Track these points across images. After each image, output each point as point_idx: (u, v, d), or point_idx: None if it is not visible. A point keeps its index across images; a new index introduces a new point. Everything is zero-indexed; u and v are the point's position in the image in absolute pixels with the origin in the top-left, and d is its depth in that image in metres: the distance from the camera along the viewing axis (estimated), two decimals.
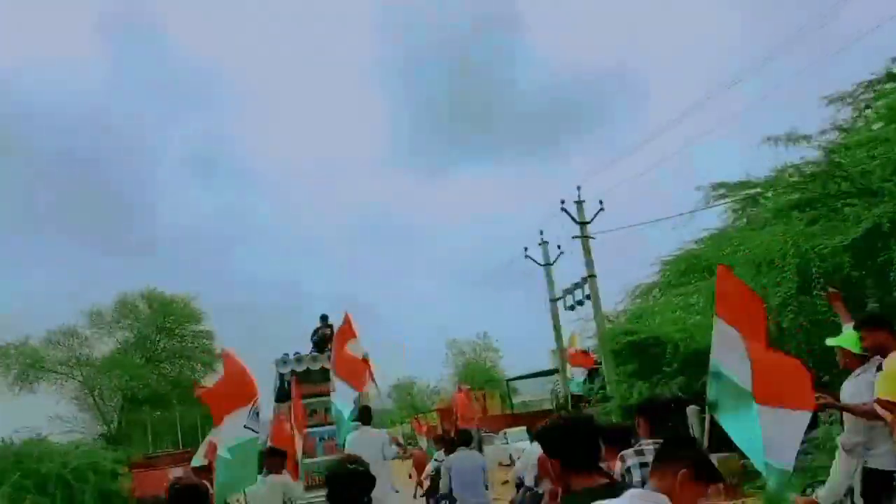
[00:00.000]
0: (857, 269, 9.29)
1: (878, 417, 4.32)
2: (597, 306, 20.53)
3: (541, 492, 7.04)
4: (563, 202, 21.09)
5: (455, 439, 9.42)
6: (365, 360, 9.71)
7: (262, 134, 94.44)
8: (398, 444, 10.55)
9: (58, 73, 75.34)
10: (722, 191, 16.53)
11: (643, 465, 4.06)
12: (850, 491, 4.71)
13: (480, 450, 13.42)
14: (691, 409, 11.99)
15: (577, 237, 21.48)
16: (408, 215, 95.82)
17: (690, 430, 11.27)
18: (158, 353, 44.24)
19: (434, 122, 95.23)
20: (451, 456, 8.70)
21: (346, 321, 9.90)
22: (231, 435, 6.34)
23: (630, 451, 4.32)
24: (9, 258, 57.78)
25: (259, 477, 7.33)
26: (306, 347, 16.67)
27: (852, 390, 4.57)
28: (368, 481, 2.82)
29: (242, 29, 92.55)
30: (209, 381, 42.54)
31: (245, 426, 6.42)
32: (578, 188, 21.55)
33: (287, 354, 15.96)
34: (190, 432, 42.72)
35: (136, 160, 72.44)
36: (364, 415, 9.58)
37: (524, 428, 23.39)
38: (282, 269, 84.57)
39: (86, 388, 41.05)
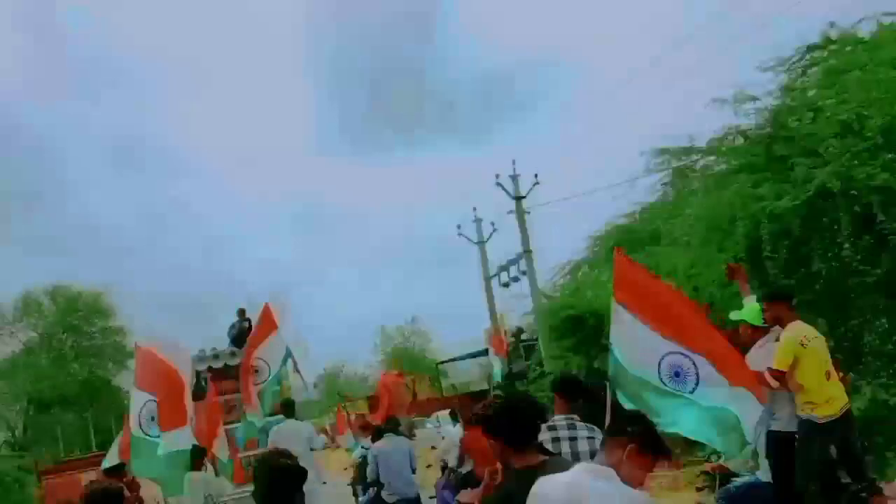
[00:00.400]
0: (805, 230, 9.08)
1: (767, 385, 4.68)
2: (533, 281, 19.98)
3: (464, 472, 7.17)
4: (497, 176, 20.93)
5: (382, 427, 9.46)
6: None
7: (187, 122, 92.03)
8: (326, 434, 10.55)
9: None
10: (665, 157, 15.80)
11: (554, 440, 4.15)
12: (756, 454, 5.12)
13: (412, 436, 13.51)
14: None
15: (512, 212, 21.01)
16: (339, 202, 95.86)
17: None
18: (66, 352, 41.84)
19: (364, 109, 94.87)
20: (378, 443, 8.75)
21: (266, 312, 9.60)
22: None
23: (544, 426, 4.32)
24: None
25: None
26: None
27: (756, 360, 4.87)
28: (301, 475, 2.77)
29: (167, 14, 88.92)
30: (121, 380, 41.08)
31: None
32: (514, 162, 21.24)
33: (203, 351, 15.40)
34: (103, 434, 40.17)
35: (55, 153, 69.01)
36: (287, 408, 9.64)
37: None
38: (209, 258, 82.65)
39: None
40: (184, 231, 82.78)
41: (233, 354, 15.33)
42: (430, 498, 9.35)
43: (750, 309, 5.23)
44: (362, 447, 11.42)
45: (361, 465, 10.38)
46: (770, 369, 4.70)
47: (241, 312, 16.63)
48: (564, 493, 2.46)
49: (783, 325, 4.88)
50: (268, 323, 9.47)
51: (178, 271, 74.92)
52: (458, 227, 24.47)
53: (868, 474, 4.92)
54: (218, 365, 15.14)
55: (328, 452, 23.63)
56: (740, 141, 11.72)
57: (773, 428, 4.86)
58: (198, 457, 7.61)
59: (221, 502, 9.13)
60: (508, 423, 2.92)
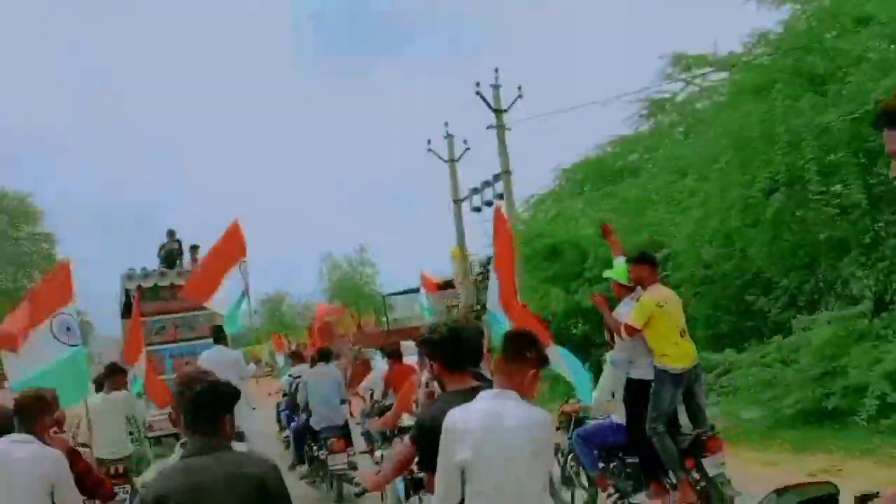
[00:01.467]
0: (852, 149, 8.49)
1: (625, 333, 5.35)
2: (510, 205, 17.62)
3: (388, 403, 7.40)
4: (478, 84, 18.03)
5: (314, 356, 9.56)
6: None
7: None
8: (263, 363, 10.54)
9: None
10: (681, 65, 14.47)
11: None
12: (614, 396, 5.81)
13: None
14: None
15: (491, 127, 18.12)
16: (308, 121, 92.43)
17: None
18: None
19: (337, 23, 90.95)
20: (309, 371, 8.84)
21: (235, 231, 8.48)
22: (39, 357, 5.88)
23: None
24: None
25: (100, 394, 7.13)
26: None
27: (621, 314, 5.51)
28: (233, 395, 2.54)
29: None
30: None
31: (56, 339, 5.98)
32: (496, 71, 18.34)
33: (133, 269, 15.14)
34: None
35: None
36: (217, 334, 9.46)
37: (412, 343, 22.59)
38: (152, 176, 79.43)
39: None
40: (120, 139, 79.47)
41: (162, 275, 15.13)
42: (357, 425, 9.62)
43: (619, 269, 5.73)
44: (290, 375, 11.55)
45: (291, 393, 10.50)
46: (626, 325, 5.31)
47: (171, 234, 16.50)
48: (475, 420, 2.71)
49: (644, 286, 5.42)
50: (236, 243, 8.50)
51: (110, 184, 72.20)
52: (428, 142, 20.98)
53: (707, 420, 5.57)
54: (148, 284, 14.89)
55: (261, 379, 23.79)
56: (771, 51, 10.69)
57: (632, 375, 5.41)
58: (118, 375, 7.41)
59: (144, 423, 9.12)
60: (449, 348, 3.12)
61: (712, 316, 12.53)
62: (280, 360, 21.32)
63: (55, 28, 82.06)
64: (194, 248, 16.02)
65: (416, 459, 3.34)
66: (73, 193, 71.67)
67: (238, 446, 2.88)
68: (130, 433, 7.39)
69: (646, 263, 5.46)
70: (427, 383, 4.88)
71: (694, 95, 15.47)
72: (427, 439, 2.94)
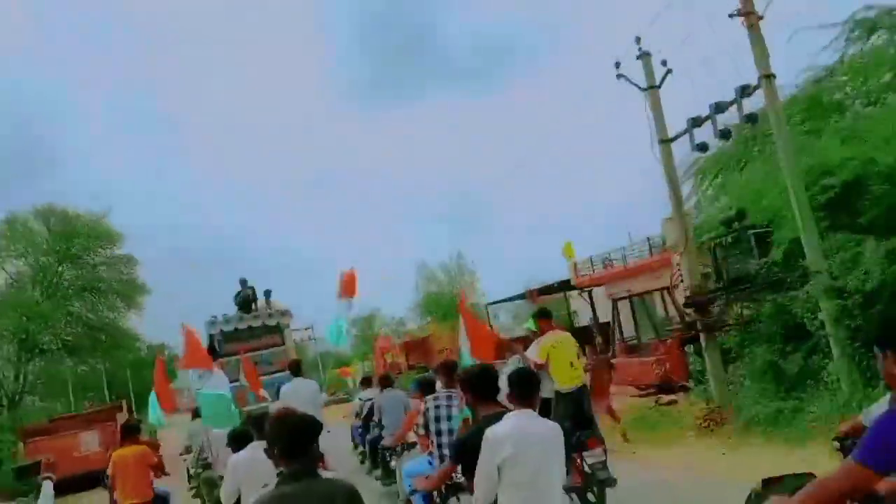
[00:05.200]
0: None
1: (534, 366, 7.47)
2: (777, 122, 9.92)
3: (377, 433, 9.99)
4: None
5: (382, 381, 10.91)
6: None
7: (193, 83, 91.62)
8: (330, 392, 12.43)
9: None
10: None
11: (437, 407, 6.31)
12: None
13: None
14: None
15: (737, 14, 10.01)
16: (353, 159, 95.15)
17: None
18: (64, 287, 33.21)
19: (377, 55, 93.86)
20: (380, 395, 10.22)
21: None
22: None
23: (430, 396, 6.54)
24: None
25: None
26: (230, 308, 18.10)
27: (531, 352, 7.97)
28: (317, 427, 2.87)
29: None
30: (128, 320, 35.29)
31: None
32: None
33: (215, 316, 17.42)
34: (119, 387, 37.28)
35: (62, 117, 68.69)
36: (294, 367, 11.32)
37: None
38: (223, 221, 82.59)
39: None
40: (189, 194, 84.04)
41: (241, 319, 17.53)
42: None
43: (531, 322, 8.67)
44: (360, 399, 13.38)
45: (364, 414, 12.15)
46: (533, 361, 7.74)
47: (244, 282, 18.75)
48: (511, 431, 3.52)
49: (543, 333, 7.94)
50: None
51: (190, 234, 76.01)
52: (617, 65, 12.45)
53: (592, 427, 7.56)
54: (228, 328, 17.33)
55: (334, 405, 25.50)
56: None
57: (541, 395, 6.59)
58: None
59: None
60: (479, 383, 4.07)
61: None
62: (350, 385, 22.74)
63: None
64: (268, 293, 18.33)
65: (459, 469, 4.17)
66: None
67: (325, 473, 3.22)
68: None
69: (544, 318, 8.13)
70: (427, 410, 6.38)
71: None
72: (469, 453, 3.72)
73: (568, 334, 8.24)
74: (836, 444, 3.52)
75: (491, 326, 35.99)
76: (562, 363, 7.70)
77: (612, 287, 19.90)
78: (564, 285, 27.72)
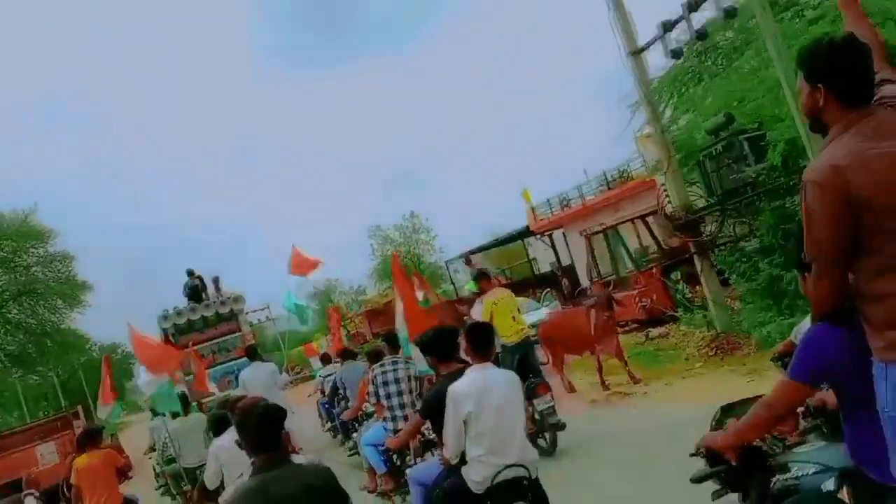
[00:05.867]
0: None
1: None
2: (763, 10, 8.71)
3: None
4: None
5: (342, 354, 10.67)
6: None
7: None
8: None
9: None
10: None
11: (383, 373, 6.49)
12: None
13: None
14: None
15: None
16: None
17: None
18: None
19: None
20: (342, 368, 9.87)
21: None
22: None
23: (377, 364, 6.69)
24: None
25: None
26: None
27: (475, 312, 8.24)
28: (282, 414, 2.88)
29: None
30: (72, 321, 32.92)
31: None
32: None
33: (167, 310, 16.54)
34: (74, 394, 34.68)
35: None
36: (251, 352, 11.10)
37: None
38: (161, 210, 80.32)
39: None
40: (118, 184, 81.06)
41: (192, 310, 16.49)
42: None
43: (472, 284, 9.04)
44: (321, 376, 12.82)
45: (332, 388, 11.61)
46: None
47: (191, 273, 17.79)
48: (470, 386, 3.78)
49: (484, 293, 8.17)
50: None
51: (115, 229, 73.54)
52: None
53: (539, 372, 8.03)
54: (181, 321, 16.23)
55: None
56: None
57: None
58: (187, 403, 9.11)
59: None
60: (436, 345, 4.32)
61: None
62: (313, 363, 22.35)
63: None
64: (216, 280, 17.30)
65: (427, 427, 4.46)
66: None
67: (296, 458, 3.32)
68: None
69: (483, 279, 8.43)
70: (374, 378, 6.55)
71: None
72: (434, 410, 4.01)
73: (508, 291, 8.77)
74: (780, 363, 3.63)
75: (453, 284, 35.99)
76: (504, 318, 7.92)
77: (582, 224, 19.13)
78: (524, 233, 27.19)
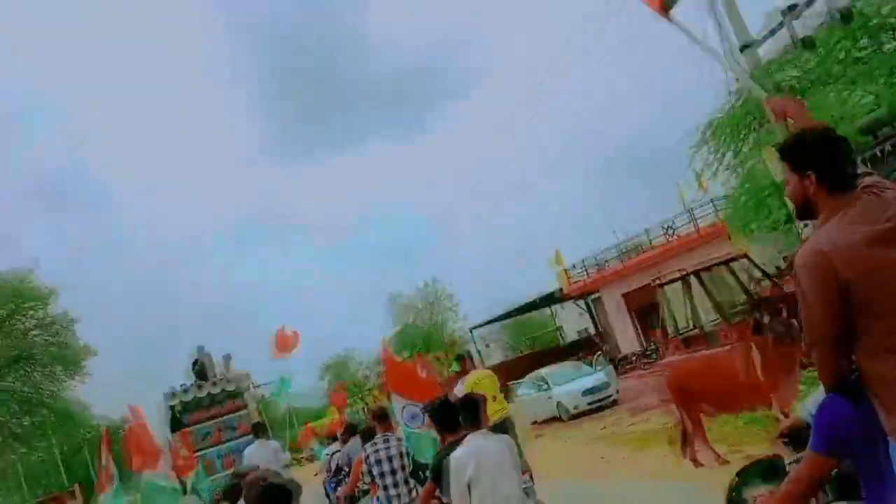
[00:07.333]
0: None
1: None
2: None
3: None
4: None
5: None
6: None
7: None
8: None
9: None
10: None
11: (375, 451, 6.48)
12: None
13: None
14: None
15: None
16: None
17: None
18: None
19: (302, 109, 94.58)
20: (346, 446, 9.88)
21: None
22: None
23: (368, 444, 6.64)
24: None
25: None
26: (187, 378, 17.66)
27: (459, 390, 8.44)
28: (293, 491, 2.89)
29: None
30: (73, 390, 31.42)
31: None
32: None
33: (174, 388, 17.08)
34: (79, 470, 33.43)
35: None
36: (257, 429, 11.68)
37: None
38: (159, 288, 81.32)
39: None
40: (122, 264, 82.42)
41: (200, 388, 17.20)
42: None
43: (455, 364, 10.02)
44: (326, 454, 12.96)
45: (337, 466, 12.07)
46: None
47: (200, 349, 18.26)
48: (469, 454, 4.15)
49: (466, 373, 9.15)
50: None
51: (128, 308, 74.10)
52: None
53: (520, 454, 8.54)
54: (188, 399, 16.96)
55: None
56: None
57: None
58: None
59: None
60: (438, 416, 4.77)
61: None
62: (315, 444, 22.58)
63: None
64: (227, 357, 18.10)
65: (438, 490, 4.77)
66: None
67: None
68: None
69: (464, 359, 9.78)
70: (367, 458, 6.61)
71: None
72: (440, 474, 4.41)
73: (489, 371, 9.78)
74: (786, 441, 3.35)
75: (479, 352, 35.08)
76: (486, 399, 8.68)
77: (618, 286, 18.42)
78: (552, 299, 25.54)
